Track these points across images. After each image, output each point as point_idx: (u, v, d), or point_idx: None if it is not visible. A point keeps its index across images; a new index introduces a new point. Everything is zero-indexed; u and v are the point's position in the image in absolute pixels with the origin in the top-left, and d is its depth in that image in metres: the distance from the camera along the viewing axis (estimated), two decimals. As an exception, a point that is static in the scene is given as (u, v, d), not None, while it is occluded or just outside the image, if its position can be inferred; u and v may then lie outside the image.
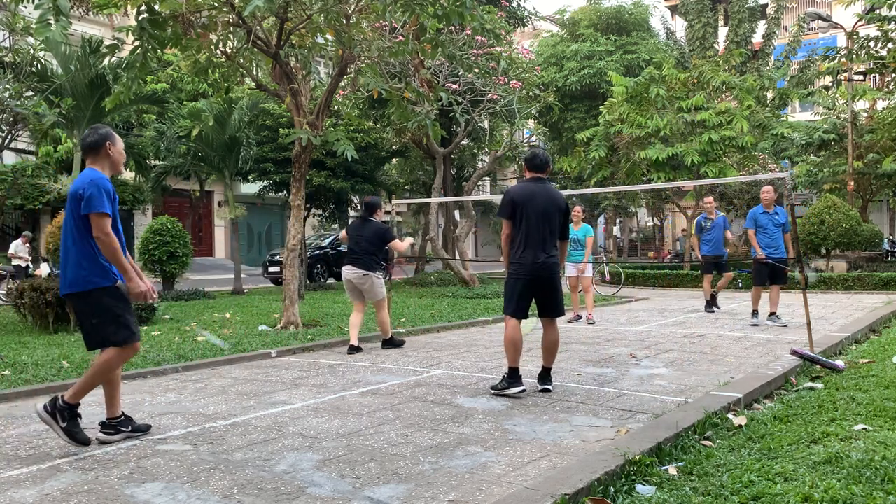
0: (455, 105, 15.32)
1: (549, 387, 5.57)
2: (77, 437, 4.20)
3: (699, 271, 13.66)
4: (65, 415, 4.18)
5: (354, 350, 7.83)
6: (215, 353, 7.53)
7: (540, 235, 5.49)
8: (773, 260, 9.44)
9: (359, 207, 23.79)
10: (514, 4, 21.31)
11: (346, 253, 8.18)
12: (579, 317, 10.84)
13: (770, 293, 9.80)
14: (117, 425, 4.40)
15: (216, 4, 8.41)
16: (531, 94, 18.42)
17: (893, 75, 15.20)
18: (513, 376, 5.47)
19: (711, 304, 11.81)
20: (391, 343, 8.18)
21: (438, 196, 17.93)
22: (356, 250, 7.90)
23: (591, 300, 10.76)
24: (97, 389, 4.42)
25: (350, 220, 8.40)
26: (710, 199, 11.90)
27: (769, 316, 9.74)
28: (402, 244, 8.22)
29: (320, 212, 22.69)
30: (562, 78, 26.02)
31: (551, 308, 5.59)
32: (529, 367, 6.68)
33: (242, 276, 19.06)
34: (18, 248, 17.46)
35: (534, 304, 5.63)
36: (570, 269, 10.78)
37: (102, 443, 4.31)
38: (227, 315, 11.38)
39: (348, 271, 7.89)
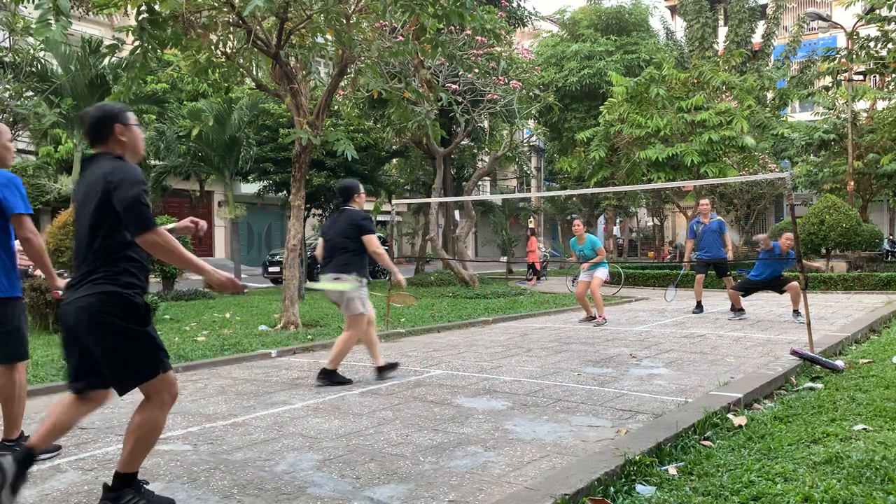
0: (455, 105, 15.32)
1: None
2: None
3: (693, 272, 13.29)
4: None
5: None
6: (215, 352, 7.53)
7: (75, 250, 3.16)
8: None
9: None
10: (514, 4, 21.31)
11: None
12: (592, 317, 10.41)
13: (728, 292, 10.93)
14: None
15: (216, 4, 8.41)
16: (531, 94, 18.44)
17: (893, 75, 15.20)
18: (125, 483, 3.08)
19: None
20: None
21: (438, 196, 17.93)
22: None
23: (599, 300, 10.49)
24: None
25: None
26: (706, 201, 11.69)
27: (734, 310, 10.72)
28: None
29: (320, 212, 22.68)
30: (562, 78, 26.04)
31: (109, 375, 3.07)
32: (530, 367, 6.69)
33: (242, 276, 19.07)
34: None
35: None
36: (584, 277, 10.49)
37: None
38: (227, 315, 11.38)
39: None
